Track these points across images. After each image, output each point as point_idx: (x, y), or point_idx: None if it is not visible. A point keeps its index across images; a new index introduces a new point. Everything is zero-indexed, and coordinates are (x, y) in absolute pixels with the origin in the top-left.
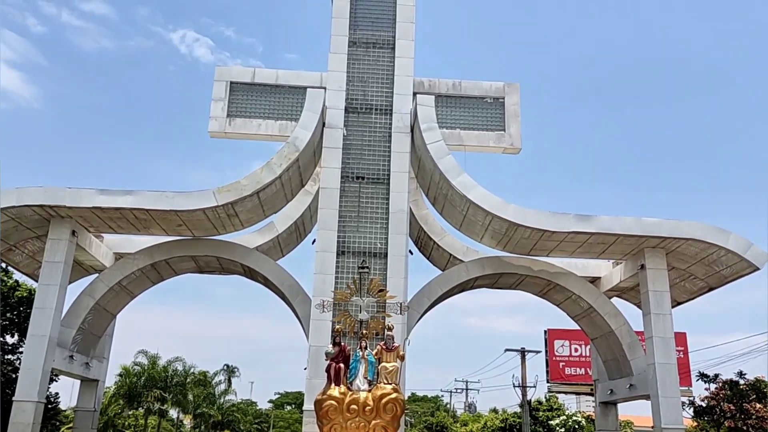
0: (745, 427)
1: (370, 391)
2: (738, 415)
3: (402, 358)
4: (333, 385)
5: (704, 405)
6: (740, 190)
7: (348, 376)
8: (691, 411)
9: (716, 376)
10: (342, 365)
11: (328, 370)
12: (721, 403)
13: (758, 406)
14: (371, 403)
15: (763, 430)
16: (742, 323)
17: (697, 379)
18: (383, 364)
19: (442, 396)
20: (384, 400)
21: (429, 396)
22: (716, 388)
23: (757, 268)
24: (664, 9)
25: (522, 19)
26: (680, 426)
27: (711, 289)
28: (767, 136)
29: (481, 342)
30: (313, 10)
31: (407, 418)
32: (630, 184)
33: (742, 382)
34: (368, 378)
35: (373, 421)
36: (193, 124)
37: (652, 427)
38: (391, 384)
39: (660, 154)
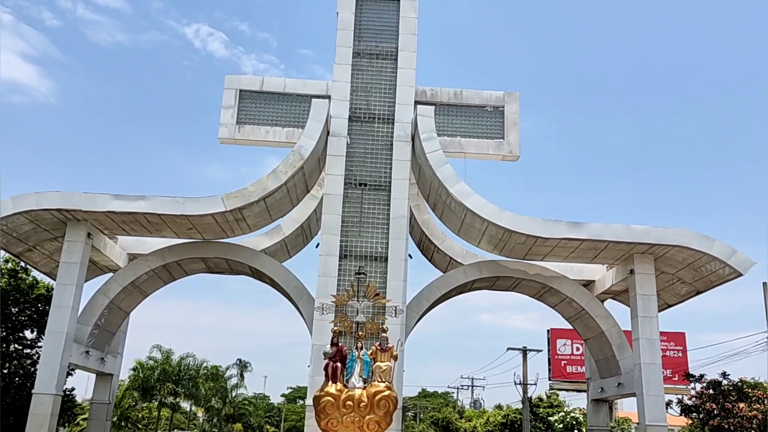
0: (727, 426)
1: (364, 388)
2: (720, 414)
3: (395, 358)
4: (330, 382)
5: (690, 404)
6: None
7: (345, 374)
8: (678, 409)
9: (701, 376)
10: (339, 364)
11: (326, 369)
12: (705, 403)
13: (741, 405)
14: (365, 399)
15: (744, 429)
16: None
17: (683, 379)
18: (378, 363)
19: (453, 392)
20: (377, 397)
21: (440, 392)
22: (702, 388)
23: (741, 274)
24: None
25: (525, 21)
26: (663, 423)
27: (699, 292)
28: None
29: (495, 339)
30: (327, 6)
31: (410, 413)
32: (640, 183)
33: (725, 382)
34: (363, 376)
35: (367, 417)
36: (207, 119)
37: (637, 423)
38: (384, 382)
39: (671, 153)
